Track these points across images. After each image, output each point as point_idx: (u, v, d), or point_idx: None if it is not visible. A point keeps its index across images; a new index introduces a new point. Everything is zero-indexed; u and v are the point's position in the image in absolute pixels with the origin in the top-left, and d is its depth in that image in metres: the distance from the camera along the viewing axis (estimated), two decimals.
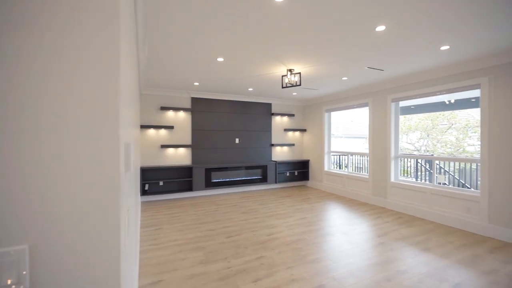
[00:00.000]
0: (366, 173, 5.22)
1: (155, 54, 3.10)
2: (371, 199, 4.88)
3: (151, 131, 5.20)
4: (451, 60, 3.29)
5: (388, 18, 2.19)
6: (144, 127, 5.01)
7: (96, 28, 0.59)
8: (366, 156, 5.55)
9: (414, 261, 2.59)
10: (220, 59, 3.27)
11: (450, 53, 3.02)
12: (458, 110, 8.30)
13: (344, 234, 3.30)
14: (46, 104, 0.55)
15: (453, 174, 5.98)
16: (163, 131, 5.30)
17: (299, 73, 3.62)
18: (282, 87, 3.83)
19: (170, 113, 5.37)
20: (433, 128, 9.07)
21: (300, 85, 3.68)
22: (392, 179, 4.54)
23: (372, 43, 2.74)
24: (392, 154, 4.55)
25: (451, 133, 8.68)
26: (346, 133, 13.02)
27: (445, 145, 8.88)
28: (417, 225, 3.66)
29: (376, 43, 2.72)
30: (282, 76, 3.79)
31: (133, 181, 1.71)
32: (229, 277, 2.27)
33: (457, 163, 5.65)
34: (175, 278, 2.24)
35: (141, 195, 4.91)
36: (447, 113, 8.51)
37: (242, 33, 2.51)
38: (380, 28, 2.36)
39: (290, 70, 3.70)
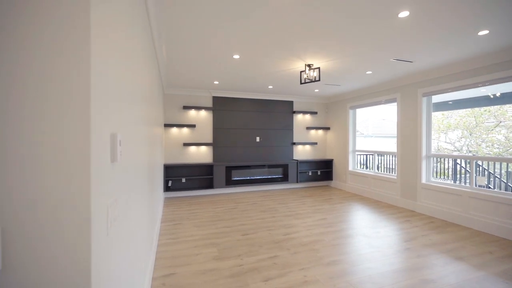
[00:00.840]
0: (394, 174, 4.87)
1: (173, 54, 3.20)
2: (399, 202, 4.54)
3: (174, 130, 5.39)
4: (492, 47, 2.92)
5: (411, 2, 2.00)
6: (167, 125, 5.21)
7: (62, 24, 0.59)
8: (394, 156, 5.19)
9: (444, 270, 2.34)
10: (236, 56, 3.27)
11: (490, 39, 2.68)
12: (509, 105, 7.38)
13: (366, 237, 3.11)
14: (25, 102, 0.56)
15: (499, 177, 5.34)
16: (185, 130, 5.47)
17: (318, 68, 3.48)
18: (301, 83, 3.72)
19: (192, 112, 5.52)
20: (476, 126, 8.20)
21: (319, 80, 3.54)
22: (423, 180, 4.17)
23: (395, 32, 2.53)
24: (424, 153, 4.18)
25: (500, 131, 7.76)
26: (377, 132, 12.31)
27: (492, 145, 7.97)
28: (450, 231, 3.32)
29: (400, 31, 2.51)
30: (301, 71, 3.68)
31: (144, 175, 1.76)
32: (240, 274, 2.25)
33: (506, 165, 5.00)
34: (188, 272, 2.28)
35: (164, 191, 5.11)
36: (494, 108, 7.63)
37: (256, 28, 2.47)
38: (404, 14, 2.16)
39: (308, 65, 3.58)
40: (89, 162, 0.62)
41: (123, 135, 1.04)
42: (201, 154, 5.58)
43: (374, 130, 12.62)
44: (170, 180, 5.22)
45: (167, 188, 5.18)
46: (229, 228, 3.41)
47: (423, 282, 2.13)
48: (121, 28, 1.01)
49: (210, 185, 5.45)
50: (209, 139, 5.65)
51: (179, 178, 5.26)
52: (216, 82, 4.74)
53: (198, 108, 5.43)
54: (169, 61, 3.50)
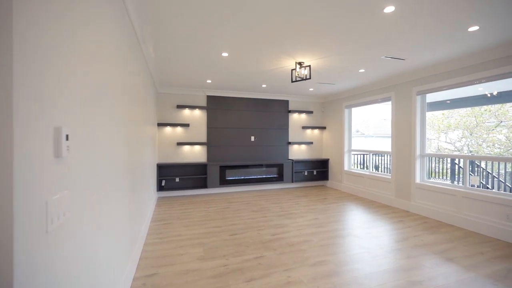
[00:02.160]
0: (388, 173, 4.81)
1: (160, 52, 3.16)
2: (394, 202, 4.48)
3: (168, 129, 5.36)
4: (484, 43, 2.86)
5: None
6: (161, 125, 5.18)
7: None
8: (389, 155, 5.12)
9: (432, 271, 2.29)
10: (225, 54, 3.23)
11: (481, 35, 2.62)
12: (510, 104, 7.28)
13: (357, 238, 3.06)
14: None
15: (497, 177, 5.26)
16: (179, 129, 5.44)
17: (309, 66, 3.44)
18: (292, 81, 3.68)
19: (186, 111, 5.49)
20: (477, 125, 8.11)
21: (310, 78, 3.49)
22: (418, 180, 4.11)
23: (382, 28, 2.48)
24: (418, 152, 4.12)
25: (501, 131, 7.67)
26: (378, 132, 12.20)
27: (493, 145, 7.88)
28: (443, 232, 3.26)
29: (387, 27, 2.46)
30: (292, 69, 3.64)
31: (120, 174, 1.73)
32: (223, 275, 2.21)
33: (505, 165, 4.92)
34: (170, 273, 2.24)
35: (157, 191, 5.09)
36: (494, 108, 7.54)
37: (242, 26, 2.43)
38: (389, 9, 2.12)
39: (299, 63, 3.54)
40: (11, 154, 0.59)
41: (80, 131, 1.01)
42: (195, 154, 5.55)
43: (375, 130, 12.54)
44: (164, 179, 5.19)
45: (160, 188, 5.15)
46: (218, 228, 3.37)
47: (410, 284, 2.08)
48: (79, 18, 0.98)
49: (204, 185, 5.42)
50: (203, 139, 5.62)
51: (173, 177, 5.23)
52: (208, 81, 4.71)
53: (192, 107, 5.40)
54: (157, 60, 3.47)
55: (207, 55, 3.28)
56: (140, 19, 2.28)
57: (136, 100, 2.51)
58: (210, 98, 5.63)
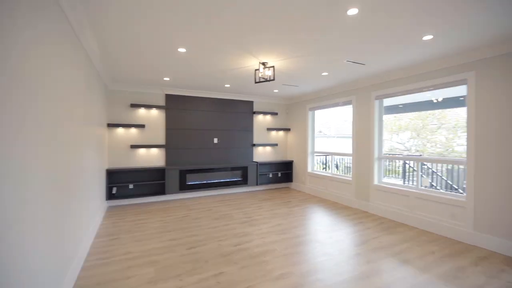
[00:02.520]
0: (350, 175, 4.95)
1: (105, 44, 2.74)
2: (354, 203, 4.61)
3: (120, 130, 4.82)
4: (435, 52, 3.01)
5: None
6: (111, 125, 4.63)
7: None
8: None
9: (390, 276, 2.30)
10: (182, 50, 2.94)
11: (434, 44, 2.74)
12: (448, 110, 8.13)
13: (320, 244, 3.01)
14: None
15: (440, 175, 5.77)
16: (133, 130, 4.93)
17: (273, 66, 3.31)
18: (255, 82, 3.51)
19: (142, 111, 5.00)
20: (423, 128, 8.90)
21: (273, 79, 3.37)
22: (375, 182, 4.27)
23: (345, 31, 2.44)
24: (376, 154, 4.28)
25: (441, 133, 8.53)
26: (340, 133, 12.72)
27: (435, 145, 8.73)
28: (399, 232, 3.39)
29: (349, 30, 2.42)
30: (255, 70, 3.48)
31: (43, 184, 1.37)
32: None
33: (446, 164, 5.41)
34: None
35: (107, 199, 4.53)
36: (437, 112, 8.36)
37: (201, 18, 2.18)
38: (352, 11, 2.06)
39: (263, 64, 3.39)
40: None
41: None
42: (152, 157, 5.09)
43: (336, 130, 13.04)
44: (115, 186, 4.65)
45: (110, 196, 4.60)
46: (174, 241, 3.06)
47: None
48: None
49: (161, 191, 4.99)
50: (161, 141, 5.18)
51: (126, 184, 4.71)
52: (166, 78, 4.32)
53: (148, 106, 4.93)
54: (103, 53, 3.02)
55: (160, 50, 2.95)
56: (75, 12, 1.89)
57: (70, 96, 2.10)
58: (169, 97, 5.21)
